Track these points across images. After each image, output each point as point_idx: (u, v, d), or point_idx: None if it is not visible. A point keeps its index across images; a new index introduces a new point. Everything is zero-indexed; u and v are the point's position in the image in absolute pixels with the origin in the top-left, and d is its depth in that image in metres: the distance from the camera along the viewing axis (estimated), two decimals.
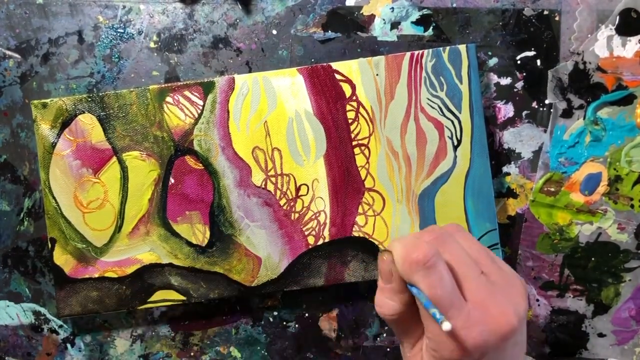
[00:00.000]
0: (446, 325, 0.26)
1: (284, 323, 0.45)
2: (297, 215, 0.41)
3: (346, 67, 0.41)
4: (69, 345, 0.45)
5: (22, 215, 0.44)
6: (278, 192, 0.41)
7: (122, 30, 0.43)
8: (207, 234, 0.41)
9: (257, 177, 0.41)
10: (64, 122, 0.41)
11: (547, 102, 0.43)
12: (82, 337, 0.45)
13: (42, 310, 0.45)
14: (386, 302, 0.30)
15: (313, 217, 0.41)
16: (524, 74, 0.43)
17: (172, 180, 0.41)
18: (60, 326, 0.45)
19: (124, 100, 0.41)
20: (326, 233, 0.41)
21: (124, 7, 0.43)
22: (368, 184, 0.41)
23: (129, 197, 0.41)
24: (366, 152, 0.41)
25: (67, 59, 0.43)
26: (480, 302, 0.28)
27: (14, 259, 0.45)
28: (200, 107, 0.41)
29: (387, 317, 0.31)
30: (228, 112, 0.41)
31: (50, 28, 0.43)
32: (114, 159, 0.41)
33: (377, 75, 0.41)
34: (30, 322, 0.45)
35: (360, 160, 0.41)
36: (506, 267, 0.31)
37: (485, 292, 0.28)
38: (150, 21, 0.43)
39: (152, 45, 0.43)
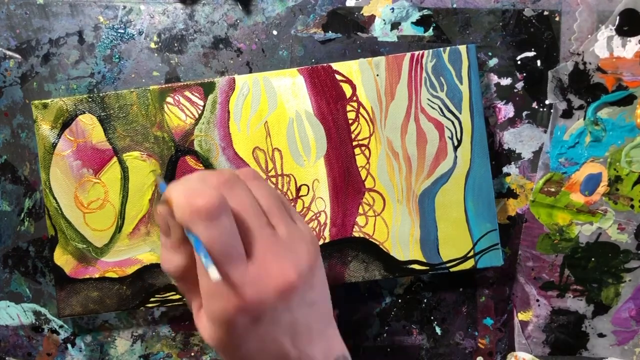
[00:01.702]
0: (214, 274, 0.23)
1: None
2: None
3: (346, 68, 0.41)
4: (69, 346, 0.45)
5: (22, 216, 0.44)
6: None
7: (122, 31, 0.43)
8: None
9: None
10: (65, 122, 0.41)
11: (547, 102, 0.43)
12: (83, 337, 0.45)
13: (43, 310, 0.45)
14: (169, 258, 0.27)
15: (313, 217, 0.41)
16: (524, 74, 0.43)
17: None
18: (61, 326, 0.45)
19: (124, 100, 0.41)
20: (327, 233, 0.41)
21: (125, 7, 0.43)
22: (368, 184, 0.41)
23: (130, 197, 0.41)
24: (366, 152, 0.41)
25: (67, 59, 0.43)
26: (259, 257, 0.26)
27: (14, 259, 0.45)
28: (201, 108, 0.41)
29: (171, 273, 0.28)
30: (228, 112, 0.41)
31: (51, 28, 0.43)
32: (115, 159, 0.41)
33: (377, 75, 0.41)
34: (31, 322, 0.45)
35: (360, 160, 0.41)
36: (300, 221, 0.29)
37: (267, 246, 0.26)
38: (151, 21, 0.43)
39: (152, 45, 0.43)
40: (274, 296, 0.26)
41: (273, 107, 0.41)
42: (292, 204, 0.41)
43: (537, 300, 0.44)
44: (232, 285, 0.25)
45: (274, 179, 0.41)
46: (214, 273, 0.23)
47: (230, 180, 0.27)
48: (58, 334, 0.45)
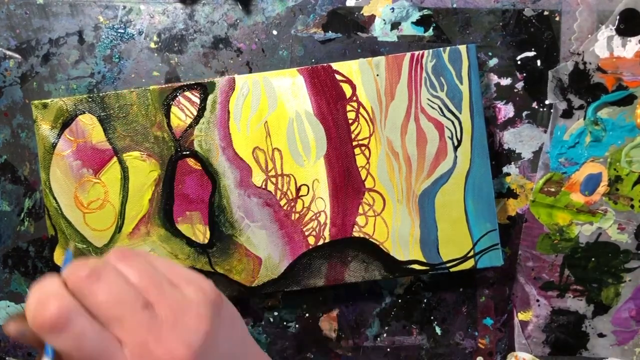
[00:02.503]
0: None
1: (284, 323, 0.45)
2: (297, 215, 0.41)
3: (346, 68, 0.41)
4: None
5: (22, 216, 0.44)
6: (278, 193, 0.41)
7: (122, 31, 0.43)
8: (208, 235, 0.41)
9: (258, 178, 0.41)
10: (65, 122, 0.41)
11: (547, 102, 0.43)
12: None
13: None
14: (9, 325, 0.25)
15: (313, 217, 0.41)
16: (524, 74, 0.43)
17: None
18: None
19: (124, 100, 0.41)
20: (326, 233, 0.41)
21: (125, 7, 0.43)
22: (368, 184, 0.41)
23: (130, 197, 0.41)
24: (366, 152, 0.41)
25: (67, 59, 0.43)
26: (139, 344, 0.24)
27: (14, 259, 0.45)
28: (201, 108, 0.41)
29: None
30: (228, 112, 0.41)
31: (51, 28, 0.43)
32: (115, 159, 0.41)
33: (377, 75, 0.41)
34: None
35: (360, 160, 0.41)
36: (187, 285, 0.27)
37: (146, 331, 0.24)
38: (151, 21, 0.43)
39: (152, 45, 0.43)
40: None
41: (273, 107, 0.41)
42: (292, 203, 0.41)
43: (537, 300, 0.44)
44: None
45: (273, 179, 0.41)
46: None
47: (95, 271, 0.24)
48: None
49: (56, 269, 0.42)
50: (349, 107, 0.41)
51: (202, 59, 0.43)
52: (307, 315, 0.45)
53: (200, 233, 0.41)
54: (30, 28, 0.43)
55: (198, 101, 0.41)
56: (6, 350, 0.45)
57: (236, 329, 0.29)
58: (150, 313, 0.25)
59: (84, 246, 0.41)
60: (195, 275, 0.27)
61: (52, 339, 0.23)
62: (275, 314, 0.45)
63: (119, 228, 0.41)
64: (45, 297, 0.23)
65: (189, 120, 0.41)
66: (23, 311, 0.24)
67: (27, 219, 0.44)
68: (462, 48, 0.40)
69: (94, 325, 0.24)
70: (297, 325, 0.45)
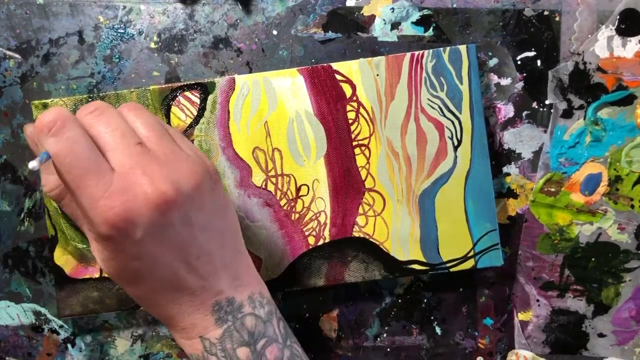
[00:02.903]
0: (32, 164, 0.23)
1: None
2: (297, 215, 0.41)
3: (346, 68, 0.41)
4: (69, 346, 0.45)
5: (22, 216, 0.44)
6: (278, 193, 0.41)
7: (122, 31, 0.43)
8: None
9: (258, 178, 0.41)
10: None
11: (547, 102, 0.43)
12: (83, 337, 0.45)
13: (43, 310, 0.45)
14: (47, 178, 0.28)
15: (313, 217, 0.41)
16: (524, 74, 0.43)
17: None
18: (61, 326, 0.45)
19: (124, 100, 0.41)
20: (326, 233, 0.41)
21: (125, 7, 0.43)
22: (368, 184, 0.41)
23: None
24: (366, 152, 0.41)
25: (67, 59, 0.43)
26: (126, 171, 0.25)
27: (14, 259, 0.45)
28: (201, 108, 0.41)
29: (49, 195, 0.28)
30: (228, 112, 0.41)
31: (51, 28, 0.43)
32: None
33: (377, 75, 0.41)
34: (31, 322, 0.45)
35: (360, 160, 0.41)
36: (188, 147, 0.28)
37: (135, 162, 0.25)
38: (151, 21, 0.43)
39: (152, 45, 0.43)
40: (145, 208, 0.24)
41: (273, 107, 0.41)
42: (292, 203, 0.41)
43: (537, 300, 0.44)
44: (97, 197, 0.24)
45: (273, 179, 0.41)
46: (32, 163, 0.23)
47: (99, 108, 0.27)
48: (58, 334, 0.45)
49: (56, 269, 0.42)
50: (349, 107, 0.41)
51: (202, 59, 0.43)
52: (306, 315, 0.45)
53: None
54: (30, 28, 0.43)
55: (198, 101, 0.41)
56: (6, 350, 0.45)
57: (227, 216, 0.29)
58: (142, 150, 0.26)
59: (84, 246, 0.41)
60: (192, 145, 0.28)
61: (47, 140, 0.24)
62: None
63: None
64: (50, 109, 0.25)
65: (189, 120, 0.41)
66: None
67: (27, 219, 0.44)
68: (462, 48, 0.40)
69: (88, 139, 0.25)
70: (297, 325, 0.45)
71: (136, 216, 0.24)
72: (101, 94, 0.41)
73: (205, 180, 0.27)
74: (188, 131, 0.41)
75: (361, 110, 0.41)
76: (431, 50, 0.40)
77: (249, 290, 0.28)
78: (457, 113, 0.41)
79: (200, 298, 0.27)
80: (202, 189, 0.26)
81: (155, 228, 0.25)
